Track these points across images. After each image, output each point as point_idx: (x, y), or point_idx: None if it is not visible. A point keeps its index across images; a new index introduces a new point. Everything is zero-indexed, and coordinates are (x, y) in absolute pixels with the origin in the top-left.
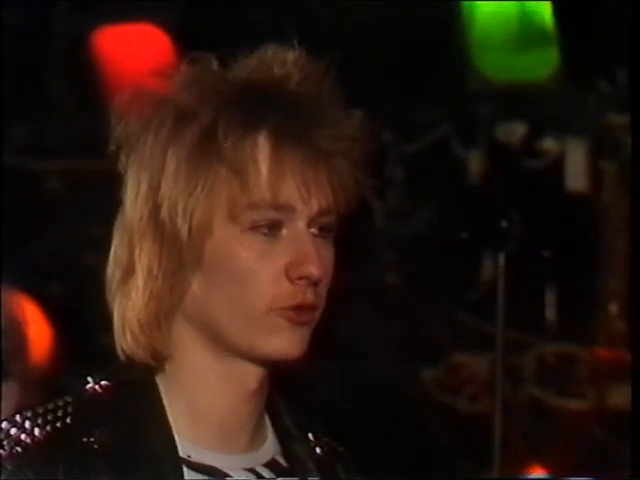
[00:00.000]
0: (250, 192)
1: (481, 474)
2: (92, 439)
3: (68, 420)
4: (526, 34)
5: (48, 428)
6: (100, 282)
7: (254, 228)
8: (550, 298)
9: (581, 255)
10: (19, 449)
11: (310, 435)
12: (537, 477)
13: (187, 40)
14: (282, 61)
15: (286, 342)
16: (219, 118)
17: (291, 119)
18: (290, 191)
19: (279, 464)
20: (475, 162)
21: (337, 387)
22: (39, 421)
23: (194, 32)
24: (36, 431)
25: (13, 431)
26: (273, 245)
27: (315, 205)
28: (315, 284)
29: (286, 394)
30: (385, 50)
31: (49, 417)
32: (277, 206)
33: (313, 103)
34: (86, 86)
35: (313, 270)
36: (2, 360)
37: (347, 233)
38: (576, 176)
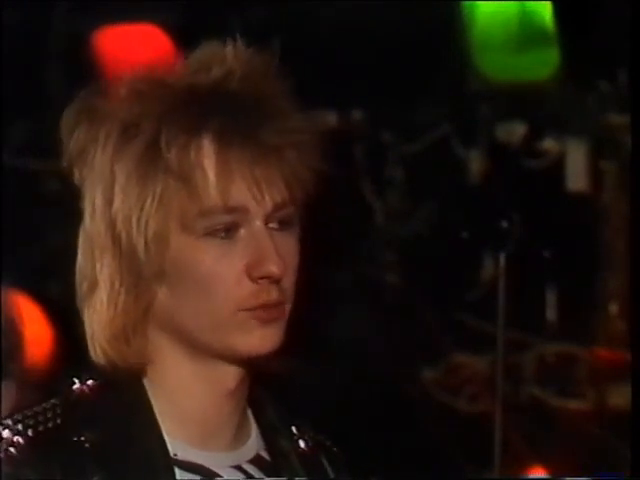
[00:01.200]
0: (200, 199)
1: (481, 474)
2: (82, 438)
3: (58, 421)
4: (526, 34)
5: (40, 428)
6: None
7: (210, 233)
8: (550, 298)
9: (581, 255)
10: (13, 450)
11: (294, 429)
12: (537, 477)
13: (187, 40)
14: (222, 59)
15: (258, 339)
16: (161, 128)
17: (234, 119)
18: (241, 192)
19: (264, 460)
20: (475, 162)
21: (337, 387)
22: (30, 422)
23: (194, 32)
24: (29, 432)
25: (5, 433)
26: (231, 247)
27: (269, 202)
28: (277, 281)
29: (280, 394)
30: (385, 50)
31: (40, 419)
32: (229, 209)
33: (257, 99)
34: (86, 86)
35: (273, 268)
36: (1, 360)
37: (316, 224)
38: (576, 176)
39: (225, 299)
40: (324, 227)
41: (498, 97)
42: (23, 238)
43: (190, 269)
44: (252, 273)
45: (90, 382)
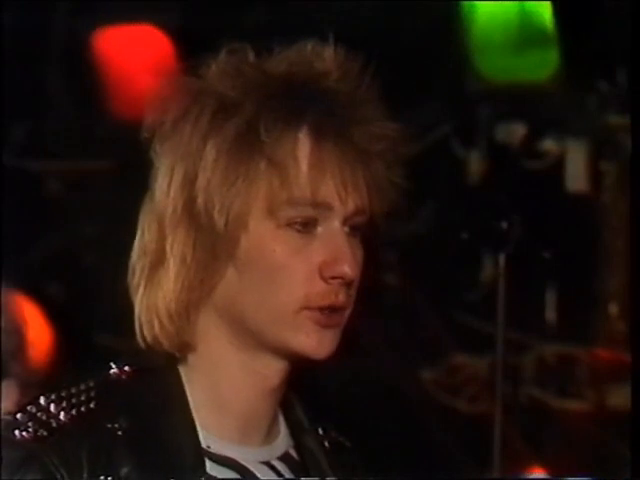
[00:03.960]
0: (290, 188)
1: (481, 474)
2: (116, 425)
3: (92, 405)
4: (526, 35)
5: (73, 412)
6: (100, 282)
7: (290, 224)
8: (550, 299)
9: (581, 256)
10: (44, 432)
11: (320, 430)
12: (537, 477)
13: (187, 41)
14: (321, 57)
15: (316, 342)
16: (261, 112)
17: (331, 116)
18: (328, 189)
19: (292, 458)
20: (475, 163)
21: (336, 388)
22: (64, 404)
23: (194, 33)
24: (61, 415)
25: (38, 414)
26: (308, 242)
27: (351, 204)
28: (348, 284)
29: (305, 394)
30: (385, 51)
31: (73, 401)
32: (315, 203)
33: (351, 101)
34: (86, 87)
35: (347, 270)
36: (2, 360)
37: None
38: (576, 177)
39: (292, 293)
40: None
41: (498, 98)
42: (23, 239)
43: (264, 256)
44: (325, 272)
45: (127, 368)
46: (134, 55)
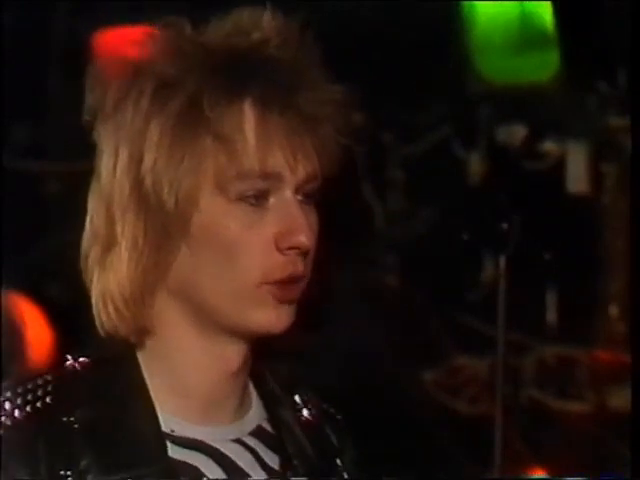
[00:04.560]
0: (238, 162)
1: (481, 476)
2: (72, 418)
3: (48, 399)
4: (527, 36)
5: (28, 409)
6: None
7: (242, 198)
8: (551, 300)
9: (582, 257)
10: (9, 423)
11: (297, 398)
12: (537, 478)
13: None
14: (258, 25)
15: (274, 316)
16: (203, 87)
17: (274, 85)
18: (277, 159)
19: (265, 431)
20: (476, 164)
21: (337, 389)
22: (19, 402)
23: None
24: (16, 412)
25: (7, 405)
26: (261, 215)
27: (302, 172)
28: (305, 254)
29: (282, 364)
30: (386, 51)
31: (29, 397)
32: (265, 175)
33: (294, 67)
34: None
35: (304, 239)
36: (1, 360)
37: (330, 199)
38: (577, 178)
39: (250, 268)
40: (324, 229)
41: (498, 99)
42: (24, 240)
43: (217, 233)
44: (282, 243)
45: (82, 359)
46: (134, 56)
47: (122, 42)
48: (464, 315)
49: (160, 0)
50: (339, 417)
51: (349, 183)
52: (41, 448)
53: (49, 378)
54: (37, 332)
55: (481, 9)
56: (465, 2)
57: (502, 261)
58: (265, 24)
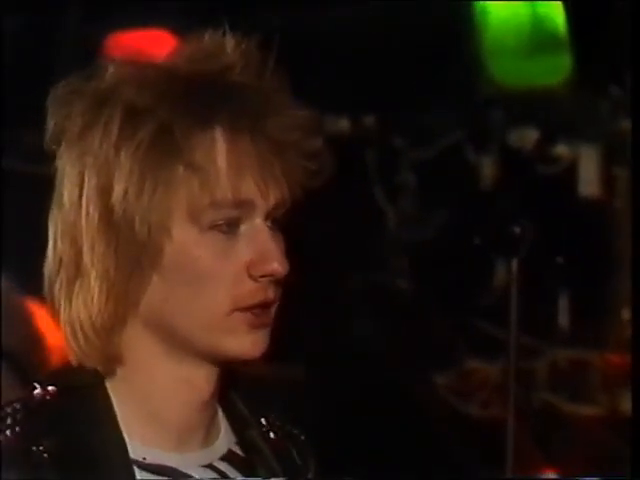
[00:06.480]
0: (211, 191)
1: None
2: (41, 448)
3: (17, 429)
4: (539, 40)
5: (5, 434)
6: None
7: (213, 227)
8: (563, 304)
9: (594, 261)
10: None
11: (263, 420)
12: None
13: None
14: (222, 49)
15: (248, 343)
16: (173, 115)
17: (243, 111)
18: (249, 186)
19: (236, 454)
20: (488, 168)
21: (350, 392)
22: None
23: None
24: None
25: None
26: (233, 243)
27: (272, 199)
28: (277, 281)
29: (251, 389)
30: (398, 56)
31: (2, 425)
32: (238, 203)
33: (260, 92)
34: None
35: (277, 267)
36: (3, 355)
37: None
38: (589, 182)
39: (222, 297)
40: (336, 232)
41: (510, 103)
42: (24, 240)
43: (189, 263)
44: (254, 271)
45: (51, 388)
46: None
47: (133, 47)
48: (476, 319)
49: (172, 2)
50: (302, 438)
51: (361, 187)
52: (12, 478)
53: (18, 407)
54: (38, 330)
55: (493, 12)
56: (477, 5)
57: (514, 265)
58: (228, 48)
